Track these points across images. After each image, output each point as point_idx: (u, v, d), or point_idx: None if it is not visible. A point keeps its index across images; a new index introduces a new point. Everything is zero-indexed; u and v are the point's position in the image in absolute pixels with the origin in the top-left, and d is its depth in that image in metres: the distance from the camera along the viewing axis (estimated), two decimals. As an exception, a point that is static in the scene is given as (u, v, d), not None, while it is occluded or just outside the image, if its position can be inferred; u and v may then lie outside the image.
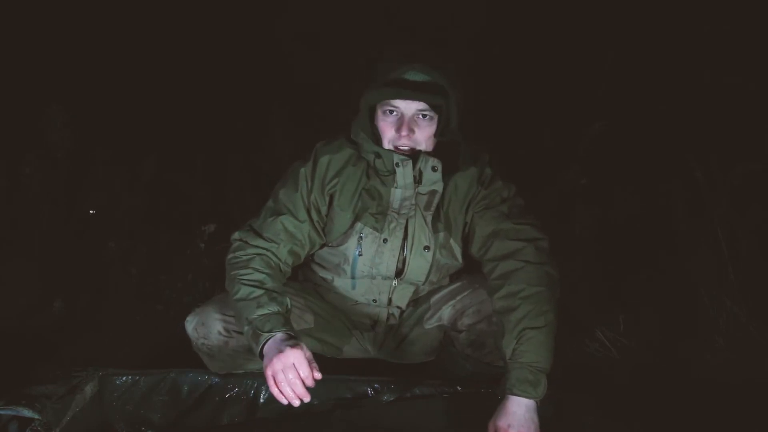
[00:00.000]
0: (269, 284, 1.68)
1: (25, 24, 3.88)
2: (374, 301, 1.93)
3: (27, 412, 1.60)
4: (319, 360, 1.91)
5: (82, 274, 2.86)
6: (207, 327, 1.82)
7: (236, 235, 1.84)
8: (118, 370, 1.89)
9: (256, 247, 1.78)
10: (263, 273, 1.70)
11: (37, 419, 1.60)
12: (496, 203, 1.80)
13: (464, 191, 1.82)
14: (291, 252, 1.81)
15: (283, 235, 1.79)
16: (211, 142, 3.72)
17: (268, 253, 1.77)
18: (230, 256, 1.80)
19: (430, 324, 1.95)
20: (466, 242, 1.88)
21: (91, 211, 3.02)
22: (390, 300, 1.93)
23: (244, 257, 1.75)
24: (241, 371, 1.90)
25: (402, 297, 1.93)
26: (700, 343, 2.41)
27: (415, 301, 1.99)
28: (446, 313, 1.91)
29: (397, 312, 1.97)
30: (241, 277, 1.70)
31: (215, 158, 3.61)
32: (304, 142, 3.55)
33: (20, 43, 3.83)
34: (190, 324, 1.86)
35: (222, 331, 1.80)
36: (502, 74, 3.94)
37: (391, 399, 1.80)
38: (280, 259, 1.79)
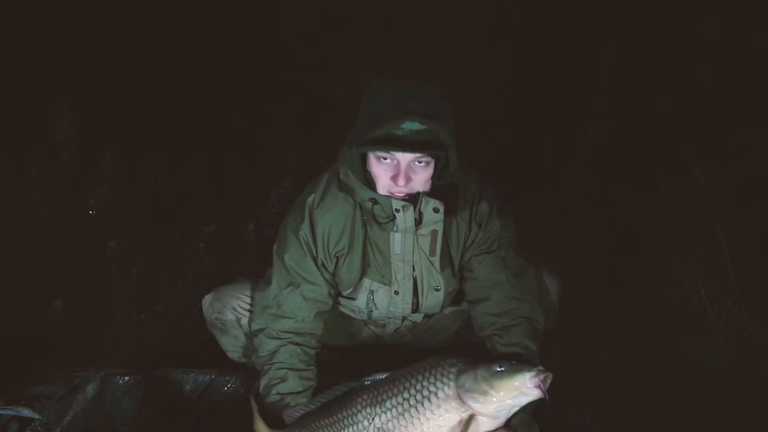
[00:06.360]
0: (290, 382, 1.66)
1: (31, 27, 3.90)
2: (389, 318, 1.93)
3: (27, 412, 1.61)
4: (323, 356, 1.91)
5: (82, 274, 2.86)
6: (222, 302, 1.92)
7: (255, 325, 1.77)
8: (118, 370, 1.90)
9: (283, 334, 1.72)
10: (286, 368, 1.67)
11: (38, 419, 1.60)
12: (494, 248, 1.75)
13: (461, 231, 1.75)
14: (317, 315, 1.76)
15: (305, 306, 1.74)
16: (212, 143, 3.72)
17: (295, 337, 1.72)
18: (254, 357, 1.75)
19: (449, 310, 1.97)
20: (460, 272, 1.84)
21: (91, 212, 3.02)
22: (404, 318, 1.93)
23: (269, 348, 1.71)
24: (247, 359, 1.92)
25: (416, 317, 1.94)
26: (700, 343, 2.41)
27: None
28: (465, 304, 1.92)
29: (411, 322, 1.97)
30: (267, 369, 1.70)
31: (216, 158, 3.61)
32: (304, 141, 3.59)
33: (27, 46, 3.84)
34: (207, 301, 1.97)
35: (237, 307, 1.90)
36: (502, 74, 3.95)
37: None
38: (307, 334, 1.74)
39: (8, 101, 3.42)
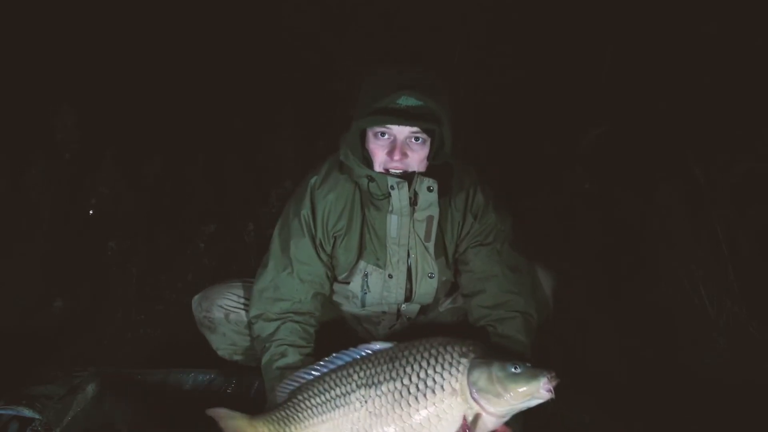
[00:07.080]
0: (290, 357, 1.67)
1: (32, 27, 3.90)
2: (383, 312, 1.94)
3: (27, 412, 1.61)
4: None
5: (82, 274, 2.86)
6: (210, 300, 1.93)
7: (253, 311, 1.77)
8: (118, 370, 1.90)
9: (281, 315, 1.73)
10: (286, 344, 1.69)
11: (38, 419, 1.60)
12: (489, 240, 1.77)
13: (456, 220, 1.79)
14: (315, 296, 1.78)
15: (302, 288, 1.76)
16: (212, 143, 3.72)
17: (294, 316, 1.73)
18: (254, 337, 1.76)
19: (445, 307, 1.97)
20: (455, 264, 1.86)
21: (90, 212, 3.02)
22: (399, 311, 1.93)
23: (268, 330, 1.71)
24: (238, 357, 1.95)
25: (411, 311, 1.93)
26: (700, 343, 2.41)
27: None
28: (460, 299, 1.93)
29: (406, 319, 1.97)
30: (267, 347, 1.70)
31: (216, 158, 3.61)
32: (304, 141, 3.59)
33: (28, 46, 3.84)
34: (196, 301, 1.98)
35: (224, 305, 1.91)
36: (502, 74, 3.94)
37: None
38: (306, 313, 1.75)
39: (9, 101, 3.42)
